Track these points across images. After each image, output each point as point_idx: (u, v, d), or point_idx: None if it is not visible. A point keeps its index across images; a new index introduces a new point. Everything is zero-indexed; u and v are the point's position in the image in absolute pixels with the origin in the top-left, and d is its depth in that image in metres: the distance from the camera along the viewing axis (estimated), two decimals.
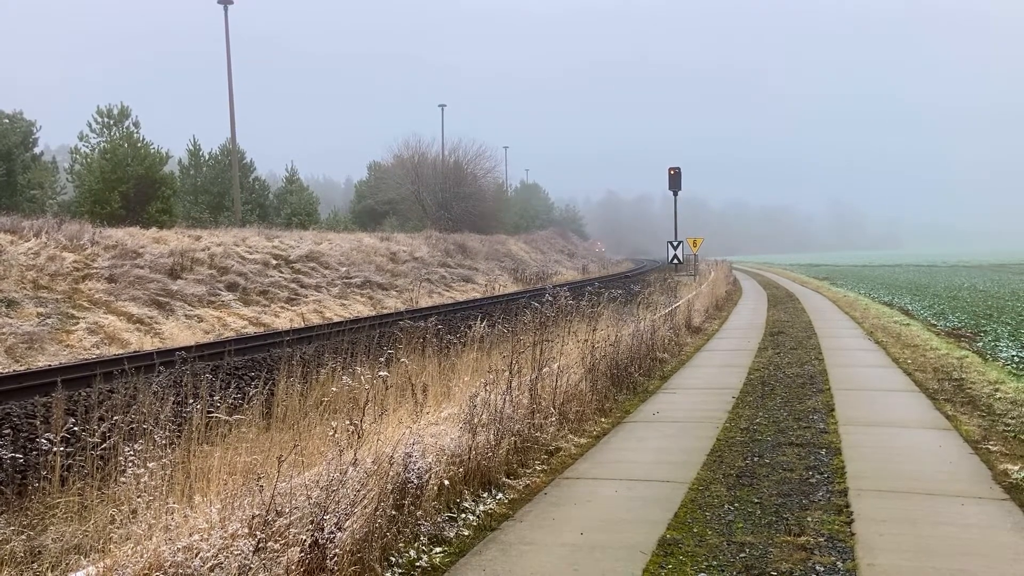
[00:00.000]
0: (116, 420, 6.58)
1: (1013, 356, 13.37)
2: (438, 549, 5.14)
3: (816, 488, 6.32)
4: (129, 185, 34.40)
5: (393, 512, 5.04)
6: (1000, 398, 9.60)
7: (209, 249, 26.10)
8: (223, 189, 43.81)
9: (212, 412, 7.06)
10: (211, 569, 3.80)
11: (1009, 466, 6.70)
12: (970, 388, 10.40)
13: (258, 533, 4.03)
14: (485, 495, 6.21)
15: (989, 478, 6.49)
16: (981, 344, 15.24)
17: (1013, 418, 8.56)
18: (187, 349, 12.77)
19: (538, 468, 7.11)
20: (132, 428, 6.55)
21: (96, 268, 21.05)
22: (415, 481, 5.30)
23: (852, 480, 6.47)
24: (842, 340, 16.57)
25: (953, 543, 5.05)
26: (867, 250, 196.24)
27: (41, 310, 17.27)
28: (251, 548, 3.93)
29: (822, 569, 4.71)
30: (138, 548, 3.94)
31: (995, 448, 7.39)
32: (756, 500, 6.05)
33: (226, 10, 36.15)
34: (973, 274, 51.22)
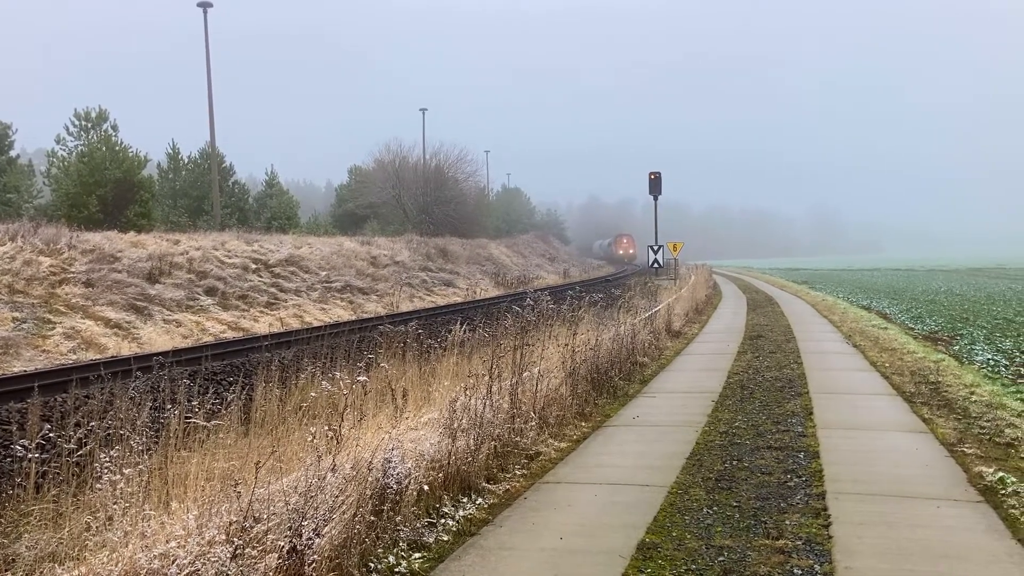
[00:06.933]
0: (92, 426, 6.50)
1: (988, 359, 13.54)
2: (417, 555, 5.12)
3: (794, 491, 6.36)
4: (107, 189, 34.06)
5: (372, 518, 5.02)
6: (976, 401, 9.71)
7: (188, 253, 25.88)
8: (202, 193, 43.45)
9: (190, 418, 6.99)
10: None
11: (984, 468, 6.78)
12: (946, 391, 10.51)
13: (236, 539, 4.00)
14: (465, 500, 6.20)
15: (964, 480, 6.56)
16: (957, 348, 15.42)
17: (988, 421, 8.66)
18: (165, 354, 12.66)
19: (518, 473, 7.10)
20: (109, 434, 6.47)
21: (73, 272, 20.83)
22: (394, 486, 5.28)
23: (830, 483, 6.52)
24: (821, 344, 16.69)
25: (930, 546, 5.11)
26: (847, 254, 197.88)
27: (17, 315, 17.06)
28: (228, 555, 3.90)
29: (800, 572, 4.74)
30: (114, 555, 3.90)
31: (970, 451, 7.47)
32: (735, 504, 6.08)
33: (205, 13, 35.92)
34: (950, 278, 51.78)
